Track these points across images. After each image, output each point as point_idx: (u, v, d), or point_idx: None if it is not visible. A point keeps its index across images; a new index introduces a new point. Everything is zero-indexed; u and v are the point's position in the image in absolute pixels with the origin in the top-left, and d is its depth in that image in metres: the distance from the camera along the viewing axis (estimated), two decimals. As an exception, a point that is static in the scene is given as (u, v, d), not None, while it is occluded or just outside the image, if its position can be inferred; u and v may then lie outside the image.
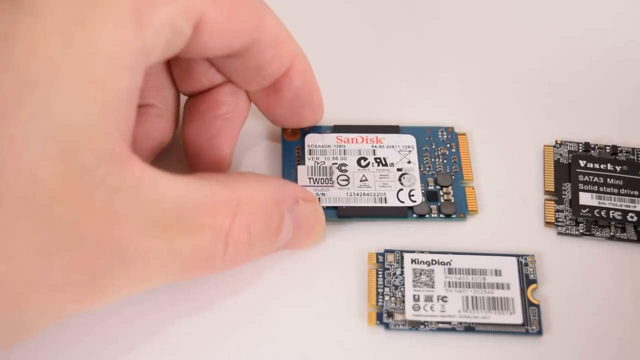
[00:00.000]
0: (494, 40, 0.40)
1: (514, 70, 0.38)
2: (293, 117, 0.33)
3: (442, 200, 0.33)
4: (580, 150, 0.35)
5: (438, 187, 0.34)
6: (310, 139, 0.35)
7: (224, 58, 0.30)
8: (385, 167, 0.34)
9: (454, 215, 0.33)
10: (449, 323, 0.30)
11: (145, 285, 0.27)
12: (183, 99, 0.33)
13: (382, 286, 0.31)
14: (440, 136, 0.35)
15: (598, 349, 0.30)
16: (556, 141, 0.35)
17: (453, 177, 0.34)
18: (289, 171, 0.34)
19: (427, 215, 0.33)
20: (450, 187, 0.34)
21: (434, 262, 0.32)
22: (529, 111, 0.37)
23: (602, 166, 0.34)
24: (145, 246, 0.25)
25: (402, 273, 0.31)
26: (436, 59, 0.39)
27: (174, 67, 0.32)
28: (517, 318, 0.30)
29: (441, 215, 0.33)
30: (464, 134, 0.35)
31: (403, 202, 0.33)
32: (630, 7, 0.41)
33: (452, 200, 0.33)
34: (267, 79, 0.31)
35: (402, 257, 0.32)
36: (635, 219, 0.33)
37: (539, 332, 0.30)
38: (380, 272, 0.32)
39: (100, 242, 0.25)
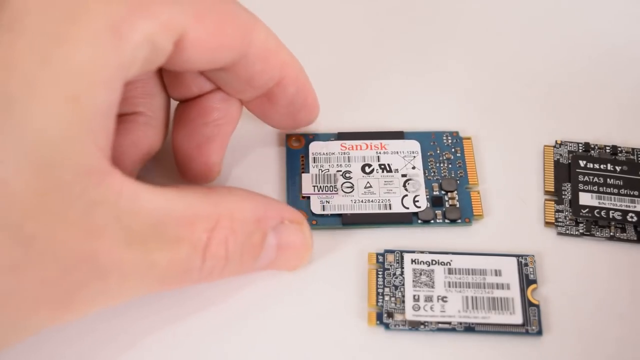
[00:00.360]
0: (493, 41, 0.40)
1: (513, 71, 0.38)
2: (289, 121, 0.33)
3: (447, 206, 0.33)
4: (580, 151, 0.35)
5: (443, 192, 0.34)
6: (315, 147, 0.35)
7: (213, 70, 0.30)
8: (389, 173, 0.34)
9: (459, 220, 0.33)
10: (449, 323, 0.30)
11: (122, 298, 0.27)
12: (174, 104, 0.33)
13: (382, 286, 0.31)
14: (445, 141, 0.35)
15: (598, 349, 0.30)
16: (556, 141, 0.35)
17: (458, 181, 0.34)
18: (293, 179, 0.34)
19: (432, 221, 0.33)
20: (456, 192, 0.34)
21: (433, 262, 0.32)
22: (529, 111, 0.37)
23: (602, 166, 0.34)
24: (122, 259, 0.25)
25: (402, 273, 0.31)
26: (436, 60, 0.39)
27: (164, 73, 0.32)
28: (517, 318, 0.30)
29: (446, 221, 0.33)
30: (468, 138, 0.35)
31: (408, 208, 0.33)
32: (630, 7, 0.41)
33: (457, 205, 0.33)
34: (259, 90, 0.31)
35: (402, 257, 0.32)
36: (635, 219, 0.33)
37: (539, 332, 0.30)
38: (380, 272, 0.32)
39: (76, 256, 0.25)
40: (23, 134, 0.24)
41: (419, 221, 0.33)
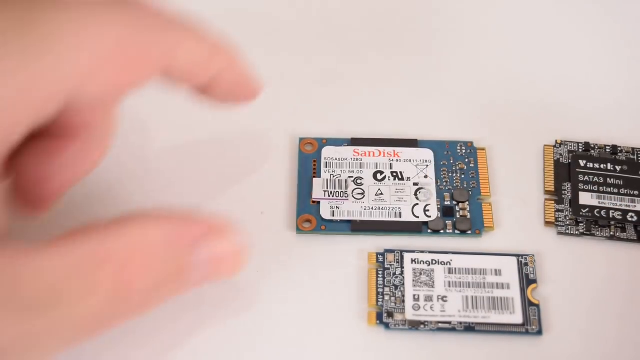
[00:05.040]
0: (493, 41, 0.40)
1: (513, 70, 0.38)
2: (226, 104, 0.31)
3: (458, 216, 0.33)
4: (580, 150, 0.35)
5: (454, 202, 0.33)
6: (327, 152, 0.35)
7: None
8: (401, 182, 0.34)
9: (470, 232, 0.33)
10: (449, 323, 0.30)
11: None
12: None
13: (382, 286, 0.31)
14: (459, 151, 0.35)
15: (598, 349, 0.30)
16: (556, 141, 0.35)
17: (470, 192, 0.34)
18: (304, 183, 0.34)
19: (441, 231, 0.33)
20: (467, 203, 0.33)
21: (434, 261, 0.32)
22: (528, 111, 0.37)
23: (602, 166, 0.34)
24: (19, 333, 0.24)
25: (402, 273, 0.31)
26: (437, 62, 0.39)
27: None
28: (517, 318, 0.30)
29: (456, 231, 0.33)
30: (483, 149, 0.35)
31: (418, 217, 0.33)
32: (630, 7, 0.41)
33: (468, 216, 0.33)
34: (190, 89, 0.29)
35: (402, 257, 0.32)
36: (635, 218, 0.33)
37: (539, 332, 0.30)
38: (380, 272, 0.32)
39: None
40: None
41: (429, 231, 0.33)
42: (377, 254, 0.32)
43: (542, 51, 0.39)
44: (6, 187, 0.28)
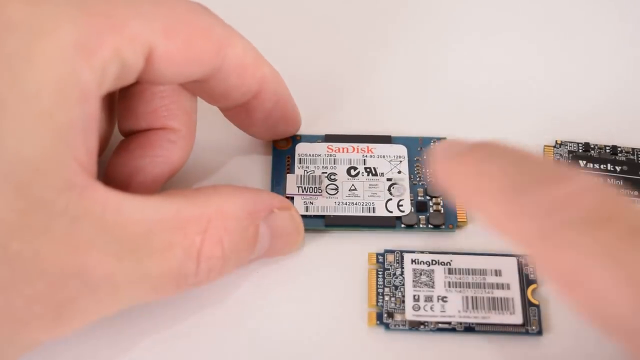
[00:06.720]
0: (493, 41, 0.40)
1: (513, 70, 0.38)
2: (266, 133, 0.34)
3: (432, 211, 0.33)
4: (580, 151, 0.35)
5: (428, 197, 0.34)
6: (301, 148, 0.35)
7: (187, 82, 0.30)
8: (375, 177, 0.34)
9: (443, 226, 0.33)
10: (449, 323, 0.30)
11: (114, 308, 0.27)
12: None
13: (382, 286, 0.31)
14: (432, 146, 0.35)
15: (598, 349, 0.30)
16: (556, 141, 0.35)
17: None
18: (278, 180, 0.34)
19: (415, 226, 0.33)
20: (440, 198, 0.33)
21: (434, 262, 0.32)
22: (528, 111, 0.37)
23: (601, 166, 0.34)
24: (111, 271, 0.25)
25: (402, 273, 0.31)
26: (434, 60, 0.39)
27: (118, 103, 0.31)
28: (517, 318, 0.30)
29: (430, 226, 0.33)
30: None
31: (391, 212, 0.33)
32: (631, 7, 0.41)
33: (442, 211, 0.33)
34: (235, 102, 0.31)
35: (402, 257, 0.32)
36: (635, 219, 0.33)
37: (539, 332, 0.30)
38: (380, 272, 0.32)
39: (64, 272, 0.25)
40: None
41: (402, 225, 0.33)
42: (377, 254, 0.32)
43: (542, 51, 0.39)
44: (101, 135, 0.30)
